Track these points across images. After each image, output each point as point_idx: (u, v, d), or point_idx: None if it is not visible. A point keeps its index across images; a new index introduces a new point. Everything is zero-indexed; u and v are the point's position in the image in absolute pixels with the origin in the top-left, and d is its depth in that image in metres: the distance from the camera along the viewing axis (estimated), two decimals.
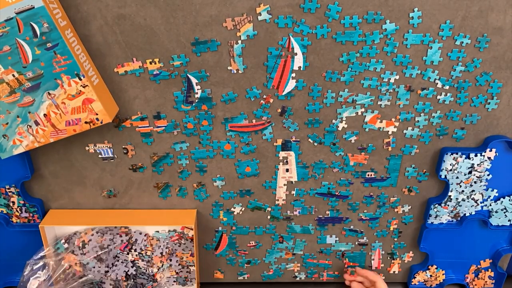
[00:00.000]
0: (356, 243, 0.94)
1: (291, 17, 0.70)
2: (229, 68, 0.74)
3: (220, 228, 0.91)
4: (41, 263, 0.81)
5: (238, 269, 0.98)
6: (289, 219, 0.90)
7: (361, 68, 0.74)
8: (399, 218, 0.91)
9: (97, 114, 0.70)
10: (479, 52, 0.73)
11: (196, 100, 0.76)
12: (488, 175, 0.83)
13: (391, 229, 0.92)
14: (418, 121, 0.79)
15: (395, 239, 0.93)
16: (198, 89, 0.75)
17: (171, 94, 0.76)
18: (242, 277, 0.99)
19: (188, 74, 0.74)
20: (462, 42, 0.72)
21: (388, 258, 0.97)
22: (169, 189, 0.86)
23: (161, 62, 0.73)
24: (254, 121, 0.79)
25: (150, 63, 0.73)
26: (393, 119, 0.79)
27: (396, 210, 0.89)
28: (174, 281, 0.92)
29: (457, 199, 0.86)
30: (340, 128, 0.80)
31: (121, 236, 0.86)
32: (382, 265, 0.98)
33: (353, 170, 0.85)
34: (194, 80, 0.74)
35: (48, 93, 0.68)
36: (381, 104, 0.78)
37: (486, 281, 0.97)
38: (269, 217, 0.90)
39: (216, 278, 0.99)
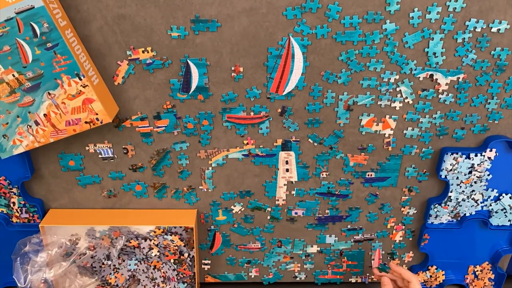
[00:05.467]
0: (352, 240, 0.94)
1: (292, 17, 0.70)
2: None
3: (212, 227, 0.91)
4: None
5: (238, 269, 0.98)
6: (292, 220, 0.90)
7: (361, 68, 0.74)
8: (400, 218, 0.91)
9: (97, 114, 0.70)
10: (479, 52, 0.73)
11: (193, 89, 0.76)
12: (488, 175, 0.83)
13: (388, 226, 0.92)
14: (418, 121, 0.79)
15: (410, 239, 0.94)
16: (196, 77, 0.74)
17: (168, 88, 0.75)
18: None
19: (188, 60, 0.73)
20: (463, 41, 0.72)
21: (388, 258, 0.96)
22: (168, 189, 0.86)
23: (153, 50, 0.72)
24: (252, 114, 0.79)
25: (143, 52, 0.72)
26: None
27: (402, 210, 0.89)
28: (174, 281, 0.92)
29: (457, 199, 0.86)
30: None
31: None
32: None
33: (353, 170, 0.85)
34: (193, 67, 0.73)
35: (48, 93, 0.68)
36: (381, 104, 0.78)
37: (485, 282, 0.97)
38: (269, 217, 0.90)
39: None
